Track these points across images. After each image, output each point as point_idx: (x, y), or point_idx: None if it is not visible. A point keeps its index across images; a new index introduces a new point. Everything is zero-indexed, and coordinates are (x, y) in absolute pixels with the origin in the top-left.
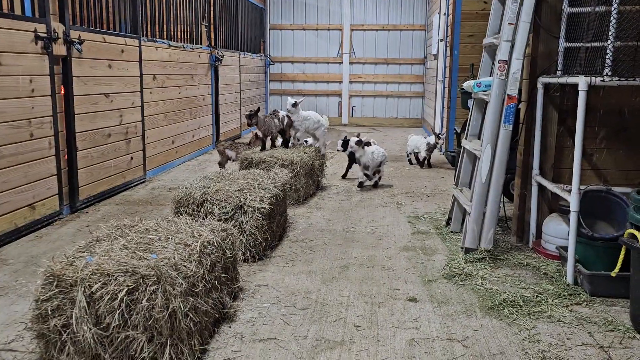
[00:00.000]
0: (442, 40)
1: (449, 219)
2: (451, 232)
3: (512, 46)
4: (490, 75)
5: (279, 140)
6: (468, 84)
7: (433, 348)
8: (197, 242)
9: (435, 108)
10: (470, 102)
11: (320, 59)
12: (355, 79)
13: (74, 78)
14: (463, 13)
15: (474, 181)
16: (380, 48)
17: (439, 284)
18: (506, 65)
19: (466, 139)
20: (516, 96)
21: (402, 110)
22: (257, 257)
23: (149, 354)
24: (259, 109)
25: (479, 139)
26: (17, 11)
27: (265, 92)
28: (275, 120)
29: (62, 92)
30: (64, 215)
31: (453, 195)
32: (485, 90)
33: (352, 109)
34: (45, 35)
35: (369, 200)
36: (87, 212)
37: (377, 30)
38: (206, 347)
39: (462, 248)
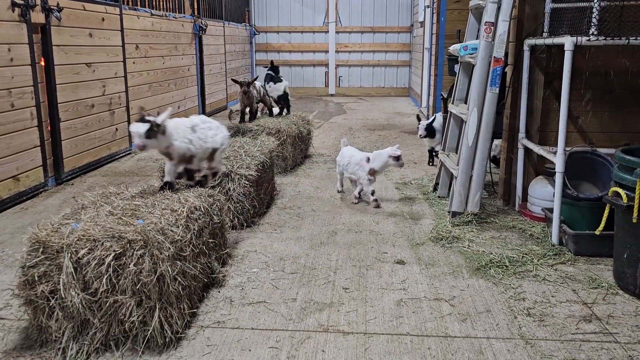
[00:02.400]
0: (428, 6)
1: (436, 184)
2: (438, 197)
3: (499, 8)
4: (476, 39)
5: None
6: (454, 48)
7: (420, 308)
8: (184, 208)
9: (422, 76)
10: (456, 68)
11: (306, 28)
12: (342, 48)
13: (54, 47)
14: None
15: (460, 145)
16: (367, 16)
17: (426, 247)
18: (492, 28)
19: (453, 103)
20: (502, 59)
21: (389, 79)
22: (245, 224)
23: (138, 318)
24: (257, 78)
25: (465, 103)
26: None
27: (251, 62)
28: (254, 92)
29: (42, 62)
30: (49, 187)
31: (440, 160)
32: (472, 54)
33: (339, 79)
34: (22, 2)
35: None
36: (72, 184)
37: None
38: (196, 310)
39: (449, 212)
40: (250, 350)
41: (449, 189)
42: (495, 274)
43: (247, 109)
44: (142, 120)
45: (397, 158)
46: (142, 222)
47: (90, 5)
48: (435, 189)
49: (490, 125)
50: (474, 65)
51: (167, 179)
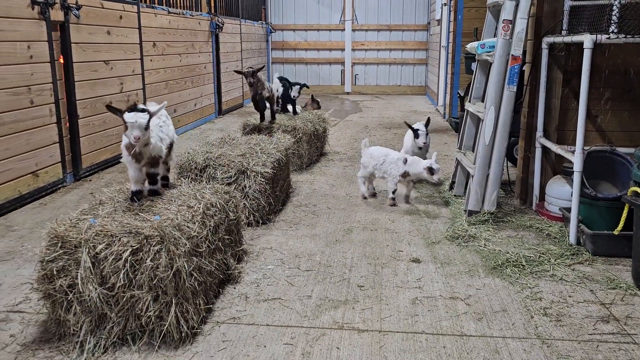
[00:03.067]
0: (445, 4)
1: (452, 182)
2: (454, 195)
3: (517, 6)
4: (494, 36)
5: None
6: (472, 46)
7: (436, 306)
8: (200, 204)
9: (439, 74)
10: (474, 66)
11: (322, 26)
12: (358, 46)
13: (72, 45)
14: None
15: (477, 144)
16: (383, 14)
17: (442, 245)
18: (510, 25)
19: (470, 101)
20: (520, 57)
21: (406, 77)
22: (260, 222)
23: (154, 313)
24: (263, 67)
25: (482, 101)
26: None
27: (267, 60)
28: (267, 84)
29: (62, 60)
30: (68, 183)
31: (456, 158)
32: (489, 52)
33: (355, 77)
34: (42, 0)
35: None
36: (90, 180)
37: None
38: (211, 306)
39: (465, 211)
40: (265, 347)
41: (465, 188)
42: (512, 273)
43: (264, 104)
44: (138, 109)
45: (431, 171)
46: (159, 218)
47: (109, 3)
48: (451, 188)
49: (507, 123)
50: (491, 63)
51: (135, 187)
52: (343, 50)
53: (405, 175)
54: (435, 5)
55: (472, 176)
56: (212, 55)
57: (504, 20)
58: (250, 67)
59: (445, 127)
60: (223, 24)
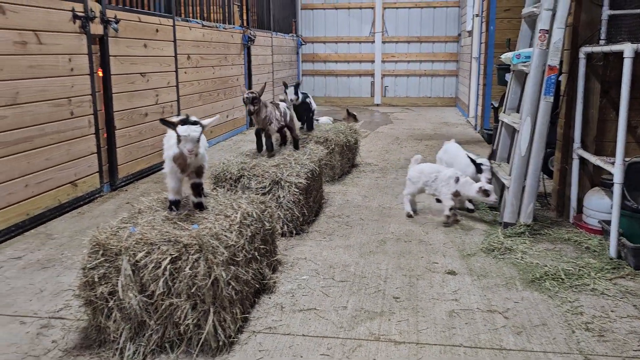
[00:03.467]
0: (477, 15)
1: None
2: (489, 207)
3: (554, 15)
4: (529, 47)
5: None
6: (506, 56)
7: (474, 319)
8: (237, 214)
9: (470, 86)
10: (508, 76)
11: (352, 38)
12: (388, 58)
13: (110, 57)
14: None
15: (512, 155)
16: (414, 26)
17: (477, 257)
18: (547, 35)
19: (504, 112)
20: (557, 67)
21: (436, 89)
22: (294, 232)
23: (192, 321)
24: (263, 87)
25: (517, 112)
26: None
27: (297, 72)
28: (277, 113)
29: (100, 72)
30: (105, 192)
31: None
32: (525, 62)
33: (385, 89)
34: (83, 14)
35: (404, 177)
36: (126, 190)
37: (410, 7)
38: (247, 315)
39: (500, 223)
40: (301, 357)
41: (500, 200)
42: (551, 286)
43: (271, 144)
44: (190, 122)
45: (486, 193)
46: (197, 227)
47: (146, 17)
48: None
49: (544, 134)
50: (526, 74)
51: (174, 197)
52: (373, 62)
53: (456, 194)
54: (466, 16)
55: (508, 188)
56: (244, 68)
57: (540, 30)
58: (251, 92)
59: (477, 138)
60: (255, 37)
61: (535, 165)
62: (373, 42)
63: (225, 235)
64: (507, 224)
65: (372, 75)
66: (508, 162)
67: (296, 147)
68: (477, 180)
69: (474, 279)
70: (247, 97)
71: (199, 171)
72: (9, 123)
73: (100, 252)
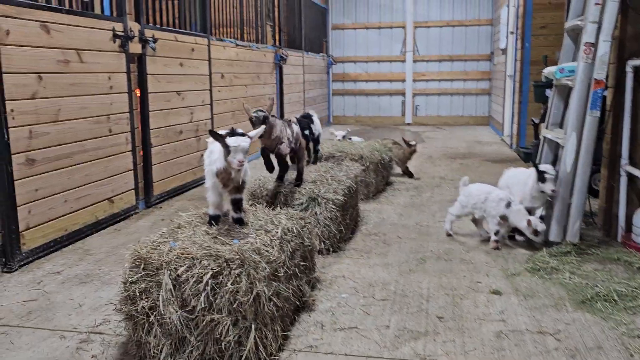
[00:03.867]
0: (512, 32)
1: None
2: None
3: (599, 28)
4: (573, 61)
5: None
6: (549, 70)
7: (523, 341)
8: (278, 229)
9: (504, 104)
10: (548, 92)
11: (382, 57)
12: (419, 77)
13: (148, 76)
14: (534, 4)
15: (557, 172)
16: (445, 44)
17: (523, 277)
18: (592, 48)
19: (547, 128)
20: (604, 80)
21: (468, 108)
22: (331, 249)
23: (234, 338)
24: (272, 104)
25: (560, 127)
26: (97, 11)
27: (327, 92)
28: (288, 131)
29: (138, 91)
30: (140, 209)
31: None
32: (569, 76)
33: (416, 108)
34: (123, 33)
35: (440, 195)
36: (161, 207)
37: (441, 26)
38: (288, 333)
39: (545, 242)
40: None
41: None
42: (603, 308)
43: (284, 166)
44: (238, 133)
45: (536, 232)
46: (238, 242)
47: (182, 37)
48: None
49: (590, 150)
50: (571, 88)
51: (214, 212)
52: (404, 81)
53: (503, 218)
54: (499, 34)
55: (553, 205)
56: (276, 87)
57: (585, 43)
58: (260, 109)
59: (513, 157)
60: (287, 56)
61: (582, 182)
62: (404, 61)
63: (267, 251)
64: (553, 242)
65: (403, 94)
66: None
67: (298, 181)
68: (539, 190)
69: (521, 299)
70: (256, 117)
71: (240, 187)
72: (51, 139)
73: (141, 267)
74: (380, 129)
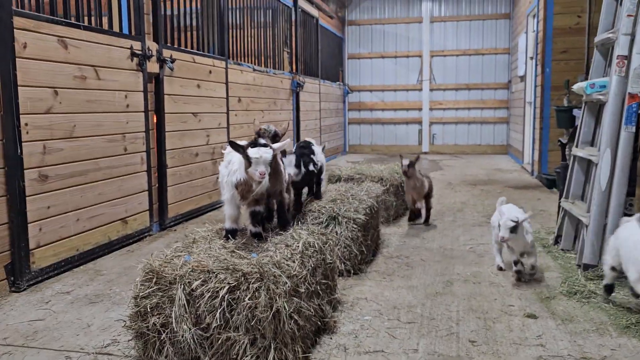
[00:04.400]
0: (531, 58)
1: (558, 236)
2: (561, 250)
3: (632, 40)
4: (604, 76)
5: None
6: (579, 86)
7: None
8: (299, 243)
9: (524, 132)
10: (577, 112)
11: (399, 86)
12: (436, 105)
13: (165, 96)
14: (555, 29)
15: (589, 191)
16: (462, 73)
17: (558, 301)
18: (626, 61)
19: (577, 146)
20: (639, 94)
21: (486, 136)
22: (352, 271)
23: (251, 358)
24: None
25: (592, 145)
26: (116, 29)
27: (343, 121)
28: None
29: (155, 118)
30: (154, 232)
31: (563, 209)
32: (600, 91)
33: (433, 137)
34: (140, 52)
35: (462, 220)
36: (175, 230)
37: (457, 55)
38: (309, 355)
39: (578, 265)
40: None
41: (575, 241)
42: None
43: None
44: (260, 144)
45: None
46: (257, 255)
47: (200, 58)
48: (556, 242)
49: (626, 167)
50: (603, 104)
51: (231, 225)
52: (420, 109)
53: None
54: (517, 62)
55: (586, 226)
56: (292, 113)
57: (618, 56)
58: (272, 126)
59: (535, 183)
60: (304, 83)
61: (618, 201)
62: (420, 89)
63: (287, 265)
64: (588, 265)
65: (420, 122)
66: (583, 200)
67: (283, 225)
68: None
69: (559, 324)
70: (266, 129)
71: (259, 199)
72: (65, 156)
73: (154, 280)
74: (396, 157)
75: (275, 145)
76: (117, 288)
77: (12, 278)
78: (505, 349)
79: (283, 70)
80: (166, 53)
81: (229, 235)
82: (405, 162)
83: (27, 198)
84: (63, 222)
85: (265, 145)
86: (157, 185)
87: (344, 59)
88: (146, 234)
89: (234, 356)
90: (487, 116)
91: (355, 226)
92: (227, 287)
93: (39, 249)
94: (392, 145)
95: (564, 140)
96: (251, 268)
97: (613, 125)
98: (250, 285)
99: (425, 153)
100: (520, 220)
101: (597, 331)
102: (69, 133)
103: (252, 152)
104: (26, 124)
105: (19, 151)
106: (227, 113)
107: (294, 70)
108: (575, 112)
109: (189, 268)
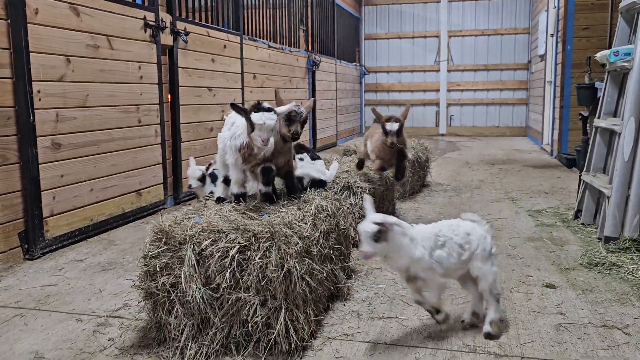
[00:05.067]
0: (552, 35)
1: (578, 211)
2: (581, 224)
3: None
4: (629, 43)
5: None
6: (602, 54)
7: (587, 334)
8: (311, 206)
9: (544, 112)
10: (599, 84)
11: (416, 67)
12: (454, 86)
13: (179, 69)
14: (576, 5)
15: (612, 163)
16: (480, 54)
17: (578, 272)
18: None
19: (599, 118)
20: None
21: (505, 118)
22: None
23: (262, 319)
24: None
25: (615, 116)
26: None
27: (360, 102)
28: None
29: (170, 98)
30: (168, 205)
31: (584, 183)
32: (625, 59)
33: (450, 118)
34: (154, 23)
35: (480, 196)
36: (189, 204)
37: (476, 35)
38: (321, 319)
39: (599, 238)
40: None
41: (595, 215)
42: None
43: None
44: (264, 108)
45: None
46: (268, 216)
47: (214, 32)
48: (576, 216)
49: None
50: (625, 73)
51: (238, 190)
52: (438, 91)
53: None
54: (537, 41)
55: (608, 198)
56: (308, 92)
57: None
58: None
59: (554, 163)
60: (320, 62)
61: None
62: (438, 70)
63: (299, 226)
64: (609, 238)
65: (437, 104)
66: (605, 173)
67: (291, 194)
68: None
69: (579, 293)
70: (297, 112)
71: (268, 157)
72: (78, 125)
73: (163, 240)
74: (413, 139)
75: (280, 109)
76: (130, 257)
77: (25, 246)
78: (523, 316)
79: (299, 48)
80: (180, 25)
81: (240, 199)
82: (394, 127)
83: (40, 166)
84: (76, 192)
85: (269, 110)
86: (171, 158)
87: (361, 40)
88: (160, 207)
89: (245, 317)
90: (506, 97)
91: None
92: (237, 247)
93: (53, 218)
94: (409, 128)
95: (585, 114)
96: (262, 228)
97: (637, 94)
98: (261, 245)
99: (442, 135)
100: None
101: (619, 301)
102: (82, 102)
103: (255, 117)
104: (39, 91)
105: (31, 118)
106: (242, 89)
107: (310, 49)
108: (598, 84)
109: (199, 229)
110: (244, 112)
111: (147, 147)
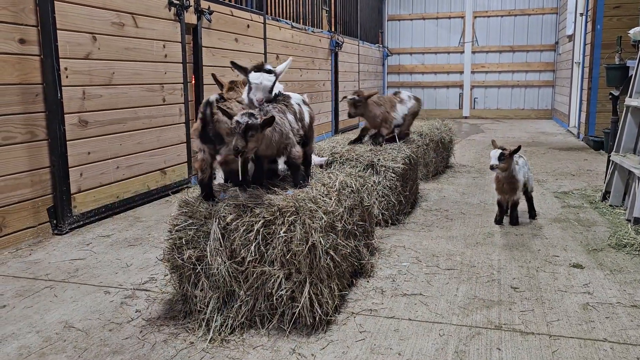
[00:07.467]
0: (582, 14)
1: (606, 192)
2: (609, 205)
3: None
4: None
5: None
6: (636, 30)
7: (615, 314)
8: (336, 182)
9: (571, 94)
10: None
11: (440, 48)
12: (478, 68)
13: (203, 48)
14: None
15: None
16: (506, 35)
17: (606, 253)
18: None
19: (630, 96)
20: None
21: (530, 100)
22: (389, 221)
23: (286, 292)
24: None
25: None
26: None
27: (382, 84)
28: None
29: (193, 80)
30: (192, 185)
31: (613, 164)
32: None
33: (474, 101)
34: (178, 2)
35: None
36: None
37: (502, 16)
38: (345, 294)
39: (628, 220)
40: (410, 340)
41: (624, 197)
42: None
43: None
44: (265, 69)
45: None
46: (292, 192)
47: (238, 12)
48: (604, 198)
49: None
50: None
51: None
52: (462, 73)
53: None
54: (565, 22)
55: (638, 179)
56: (331, 74)
57: None
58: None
59: (581, 145)
60: (342, 42)
61: None
62: (462, 52)
63: (324, 201)
64: (639, 219)
65: (461, 86)
66: (635, 154)
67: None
68: None
69: (607, 274)
70: (353, 99)
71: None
72: (104, 103)
73: (189, 214)
74: (437, 120)
75: (279, 68)
76: (156, 233)
77: (54, 221)
78: (549, 295)
79: (322, 29)
80: (204, 4)
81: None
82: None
83: (67, 142)
84: (103, 169)
85: (269, 72)
86: None
87: (384, 21)
88: (185, 186)
89: (269, 290)
90: (531, 79)
91: (393, 175)
92: (262, 221)
93: (80, 194)
94: (432, 110)
95: (616, 93)
96: (287, 202)
97: None
98: (286, 219)
99: (466, 117)
100: None
101: None
102: (108, 80)
103: (253, 76)
104: (66, 69)
105: (59, 95)
106: None
107: (333, 30)
108: (630, 62)
109: (224, 203)
110: (244, 71)
111: (172, 125)
